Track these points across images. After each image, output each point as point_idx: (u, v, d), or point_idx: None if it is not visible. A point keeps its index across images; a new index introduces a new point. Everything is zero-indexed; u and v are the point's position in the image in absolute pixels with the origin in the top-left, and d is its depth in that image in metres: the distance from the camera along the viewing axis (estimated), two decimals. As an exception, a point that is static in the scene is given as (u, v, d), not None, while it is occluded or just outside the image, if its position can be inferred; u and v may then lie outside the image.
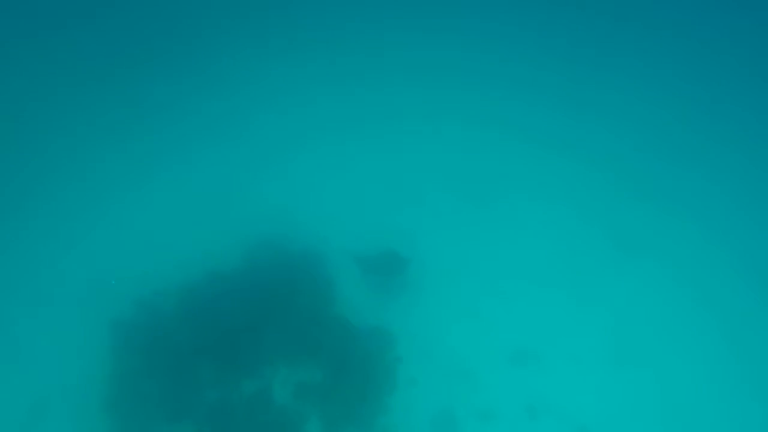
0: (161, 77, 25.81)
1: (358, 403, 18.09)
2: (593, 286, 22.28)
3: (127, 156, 23.32)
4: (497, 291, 21.67)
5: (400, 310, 20.26)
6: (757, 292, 22.37)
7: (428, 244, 22.49)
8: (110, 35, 26.32)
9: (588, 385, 19.82)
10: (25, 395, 17.94)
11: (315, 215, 22.28)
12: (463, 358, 19.71)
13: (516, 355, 20.12)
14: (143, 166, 23.16)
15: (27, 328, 19.35)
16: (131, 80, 25.43)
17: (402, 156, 25.00)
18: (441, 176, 24.71)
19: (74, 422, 17.42)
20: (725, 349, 21.05)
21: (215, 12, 27.72)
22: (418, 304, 20.64)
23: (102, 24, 26.25)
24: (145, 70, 25.76)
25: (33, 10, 25.31)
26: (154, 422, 17.44)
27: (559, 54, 28.88)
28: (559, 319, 21.29)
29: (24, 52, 24.48)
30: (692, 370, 20.52)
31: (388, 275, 20.86)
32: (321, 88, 26.64)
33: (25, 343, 19.00)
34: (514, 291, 21.74)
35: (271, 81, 26.64)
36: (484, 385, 19.34)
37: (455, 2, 30.10)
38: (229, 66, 26.42)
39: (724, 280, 22.85)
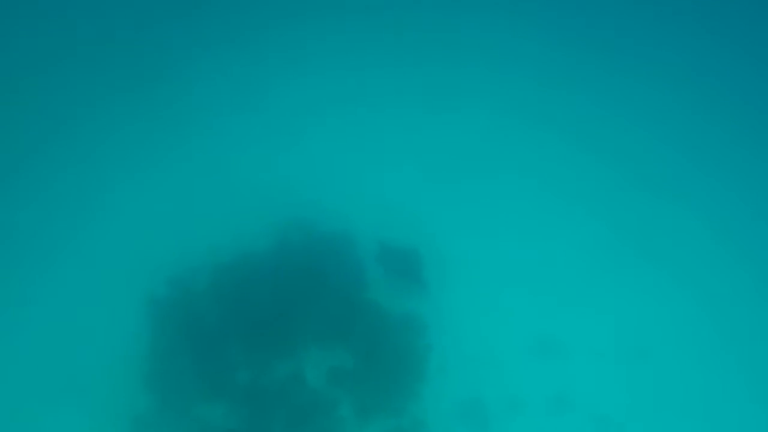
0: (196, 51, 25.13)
1: (389, 389, 18.32)
2: (619, 278, 22.21)
3: (161, 133, 22.96)
4: (524, 282, 21.67)
5: (430, 298, 20.21)
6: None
7: (458, 233, 22.32)
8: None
9: (612, 376, 20.04)
10: (65, 370, 18.31)
11: (348, 199, 21.98)
12: (491, 348, 19.85)
13: (542, 346, 20.29)
14: (177, 144, 22.80)
15: (66, 304, 19.57)
16: (159, 51, 24.74)
17: (434, 142, 24.50)
18: (471, 165, 24.23)
19: (113, 398, 17.75)
20: (749, 343, 21.13)
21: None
22: (449, 292, 20.59)
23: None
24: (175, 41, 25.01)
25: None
26: (190, 400, 17.79)
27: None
28: (585, 310, 21.33)
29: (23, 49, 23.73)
30: (716, 364, 20.67)
31: (415, 264, 20.77)
32: (359, 67, 25.82)
33: (64, 319, 19.24)
34: (540, 282, 21.75)
35: (308, 59, 25.80)
36: (511, 375, 19.54)
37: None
38: (263, 45, 25.59)
39: (747, 275, 22.74)
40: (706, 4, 28.32)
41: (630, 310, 21.54)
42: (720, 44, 27.71)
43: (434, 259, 20.82)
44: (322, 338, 18.92)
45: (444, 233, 21.98)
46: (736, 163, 25.56)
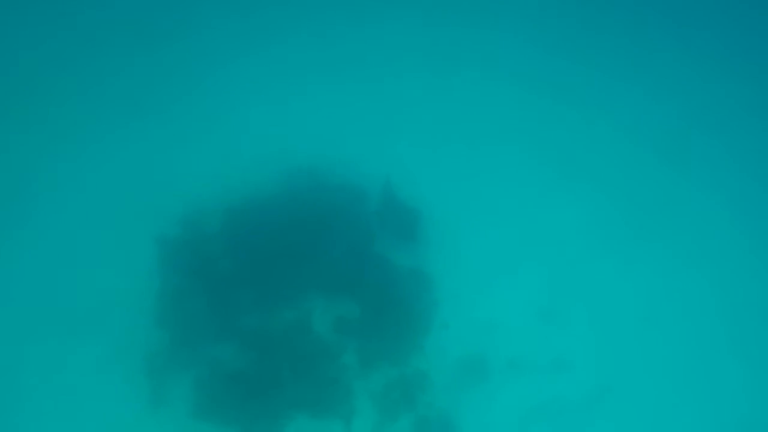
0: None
1: (393, 340, 18.76)
2: (630, 248, 22.23)
3: (173, 74, 22.28)
4: (532, 249, 21.72)
5: (438, 256, 20.31)
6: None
7: (469, 195, 22.16)
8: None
9: (613, 346, 20.49)
10: (75, 307, 18.69)
11: (360, 151, 21.64)
12: (495, 309, 20.18)
13: (545, 311, 20.60)
14: (189, 87, 22.19)
15: (78, 240, 19.70)
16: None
17: (450, 101, 23.80)
18: (485, 129, 23.64)
19: (127, 334, 18.22)
20: (754, 318, 21.44)
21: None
22: (457, 252, 20.73)
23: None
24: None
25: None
26: (200, 339, 18.27)
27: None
28: (591, 279, 21.51)
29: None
30: (719, 338, 21.08)
31: (425, 222, 20.72)
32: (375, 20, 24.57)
33: (75, 255, 19.44)
34: (548, 250, 21.78)
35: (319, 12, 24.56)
36: (513, 336, 19.97)
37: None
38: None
39: (750, 247, 22.78)
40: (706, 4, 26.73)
41: (639, 283, 21.72)
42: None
43: (445, 218, 20.80)
44: (330, 287, 19.17)
45: (456, 194, 21.85)
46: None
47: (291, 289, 19.00)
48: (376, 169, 21.10)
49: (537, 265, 21.33)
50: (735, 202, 23.40)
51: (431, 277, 19.67)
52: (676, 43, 25.60)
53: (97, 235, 19.84)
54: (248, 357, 18.05)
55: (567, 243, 21.90)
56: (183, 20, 23.17)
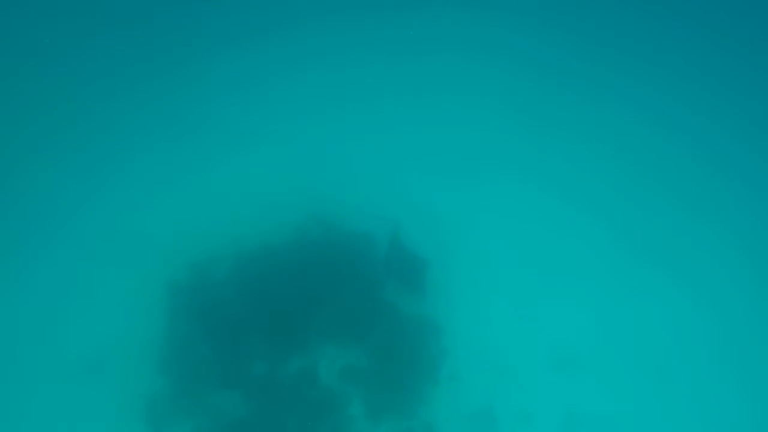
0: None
1: (401, 391, 18.41)
2: (641, 291, 21.98)
3: (185, 124, 23.17)
4: (541, 291, 21.50)
5: (446, 303, 20.26)
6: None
7: (476, 237, 22.25)
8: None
9: (627, 395, 19.96)
10: (82, 351, 18.57)
11: (367, 196, 22.02)
12: (505, 358, 19.84)
13: (556, 358, 20.22)
14: (200, 136, 22.98)
15: (86, 285, 19.84)
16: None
17: (451, 140, 24.38)
18: (487, 165, 24.01)
19: (129, 380, 17.92)
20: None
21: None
22: (465, 298, 20.62)
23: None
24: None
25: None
26: (204, 387, 17.93)
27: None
28: (602, 323, 21.17)
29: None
30: (738, 387, 20.49)
31: (432, 267, 20.83)
32: (380, 62, 25.71)
33: (83, 299, 19.50)
34: (558, 292, 21.55)
35: (327, 55, 25.65)
36: (523, 386, 19.54)
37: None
38: (280, 39, 25.59)
39: None
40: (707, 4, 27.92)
41: (650, 326, 21.36)
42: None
43: (452, 263, 20.88)
44: (337, 336, 19.03)
45: (463, 236, 21.92)
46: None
47: (298, 337, 18.88)
48: (386, 214, 21.45)
49: (548, 313, 21.05)
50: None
51: (440, 326, 19.54)
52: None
53: (105, 278, 19.96)
54: (253, 406, 17.69)
55: (578, 290, 21.70)
56: (188, 63, 24.32)
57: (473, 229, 22.31)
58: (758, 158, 24.86)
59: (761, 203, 24.00)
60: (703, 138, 25.09)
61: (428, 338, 19.62)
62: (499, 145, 24.28)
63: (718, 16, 27.19)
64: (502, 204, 23.15)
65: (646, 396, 20.10)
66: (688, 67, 26.34)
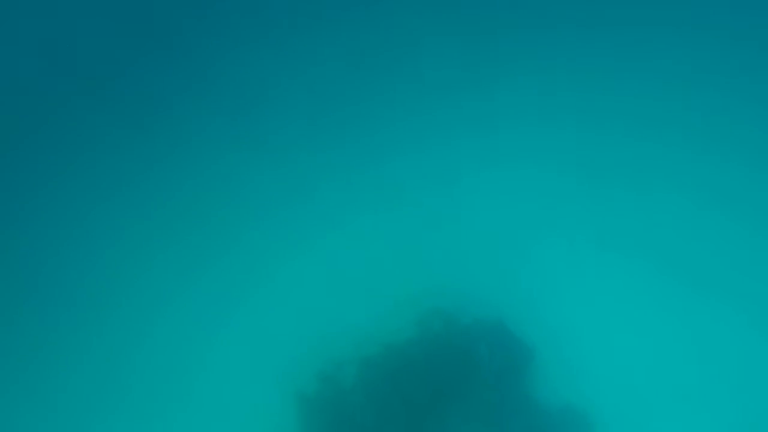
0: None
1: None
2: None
3: (298, 224, 23.84)
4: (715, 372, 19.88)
5: (595, 390, 18.86)
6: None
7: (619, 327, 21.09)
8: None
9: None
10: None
11: (487, 285, 21.50)
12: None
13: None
14: (314, 234, 23.53)
15: (217, 402, 19.97)
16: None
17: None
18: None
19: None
20: None
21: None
22: (621, 386, 19.17)
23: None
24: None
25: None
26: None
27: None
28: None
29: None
30: None
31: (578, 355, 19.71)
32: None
33: (219, 415, 19.58)
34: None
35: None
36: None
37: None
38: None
39: None
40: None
41: None
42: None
43: (594, 350, 19.66)
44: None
45: (604, 323, 20.85)
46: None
47: (437, 439, 17.97)
48: (510, 301, 20.81)
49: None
50: None
51: (591, 418, 18.08)
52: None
53: (239, 393, 20.01)
54: None
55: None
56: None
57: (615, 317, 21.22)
58: None
59: None
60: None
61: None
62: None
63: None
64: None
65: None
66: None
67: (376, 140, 25.18)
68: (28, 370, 20.71)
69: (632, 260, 22.14)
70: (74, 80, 25.55)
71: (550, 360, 19.52)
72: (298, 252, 23.02)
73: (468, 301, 20.92)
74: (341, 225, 23.43)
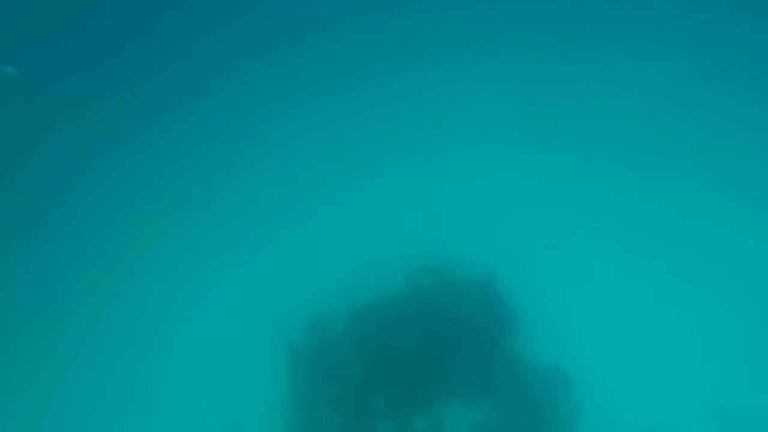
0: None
1: (536, 450, 17.23)
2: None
3: (297, 177, 23.88)
4: (693, 337, 19.77)
5: (578, 351, 19.01)
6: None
7: (607, 283, 21.12)
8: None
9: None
10: (221, 416, 18.88)
11: (481, 243, 21.48)
12: (652, 414, 18.14)
13: (718, 414, 18.09)
14: (308, 191, 23.58)
15: (206, 349, 20.38)
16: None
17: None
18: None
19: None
20: None
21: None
22: (599, 347, 19.29)
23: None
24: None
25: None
26: (333, 451, 17.60)
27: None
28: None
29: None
30: None
31: (560, 315, 19.79)
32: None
33: (215, 364, 19.98)
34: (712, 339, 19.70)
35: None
36: (671, 443, 17.72)
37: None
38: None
39: None
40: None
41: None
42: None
43: (580, 309, 19.72)
44: (463, 391, 18.22)
45: (592, 282, 20.90)
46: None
47: (422, 395, 18.23)
48: (504, 261, 20.79)
49: (703, 354, 19.23)
50: None
51: (573, 378, 18.29)
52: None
53: (228, 344, 20.36)
54: (385, 470, 17.07)
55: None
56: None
57: (600, 274, 21.26)
58: None
59: None
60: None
61: (559, 391, 18.42)
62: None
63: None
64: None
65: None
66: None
67: (368, 96, 25.16)
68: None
69: (618, 226, 22.36)
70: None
71: (535, 321, 19.58)
72: (293, 208, 23.13)
73: (458, 259, 20.97)
74: (334, 183, 23.46)
